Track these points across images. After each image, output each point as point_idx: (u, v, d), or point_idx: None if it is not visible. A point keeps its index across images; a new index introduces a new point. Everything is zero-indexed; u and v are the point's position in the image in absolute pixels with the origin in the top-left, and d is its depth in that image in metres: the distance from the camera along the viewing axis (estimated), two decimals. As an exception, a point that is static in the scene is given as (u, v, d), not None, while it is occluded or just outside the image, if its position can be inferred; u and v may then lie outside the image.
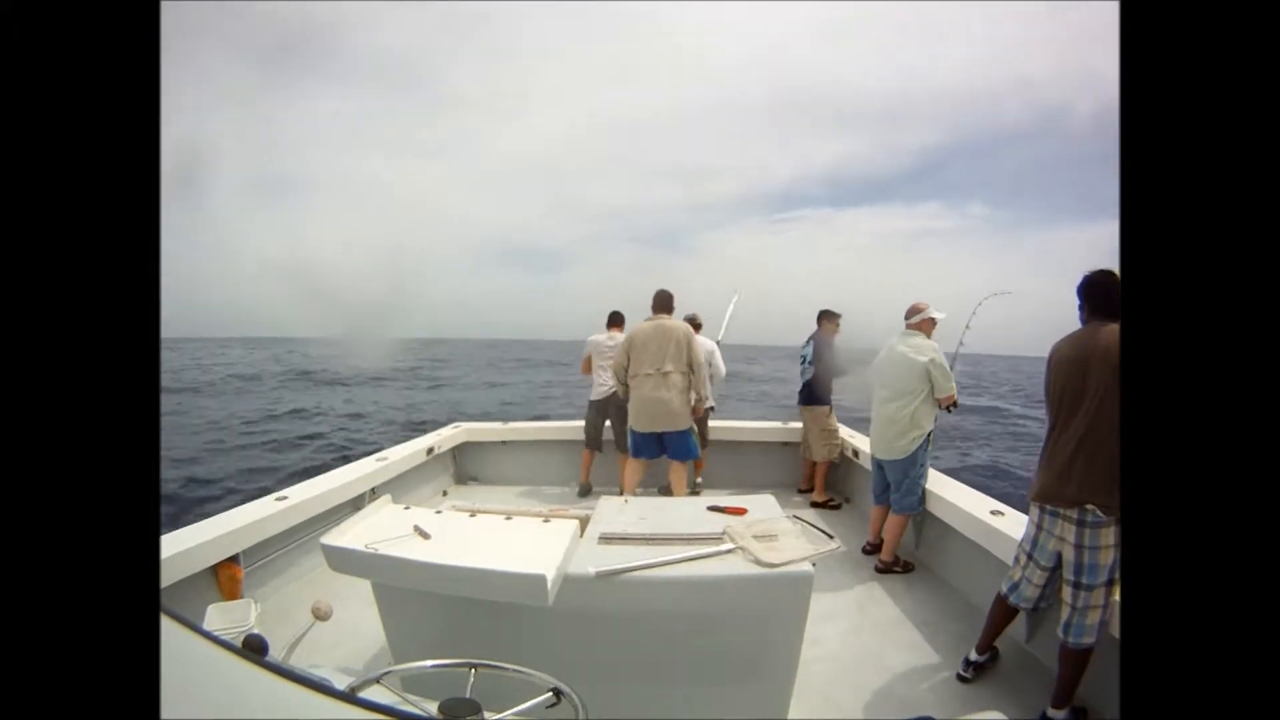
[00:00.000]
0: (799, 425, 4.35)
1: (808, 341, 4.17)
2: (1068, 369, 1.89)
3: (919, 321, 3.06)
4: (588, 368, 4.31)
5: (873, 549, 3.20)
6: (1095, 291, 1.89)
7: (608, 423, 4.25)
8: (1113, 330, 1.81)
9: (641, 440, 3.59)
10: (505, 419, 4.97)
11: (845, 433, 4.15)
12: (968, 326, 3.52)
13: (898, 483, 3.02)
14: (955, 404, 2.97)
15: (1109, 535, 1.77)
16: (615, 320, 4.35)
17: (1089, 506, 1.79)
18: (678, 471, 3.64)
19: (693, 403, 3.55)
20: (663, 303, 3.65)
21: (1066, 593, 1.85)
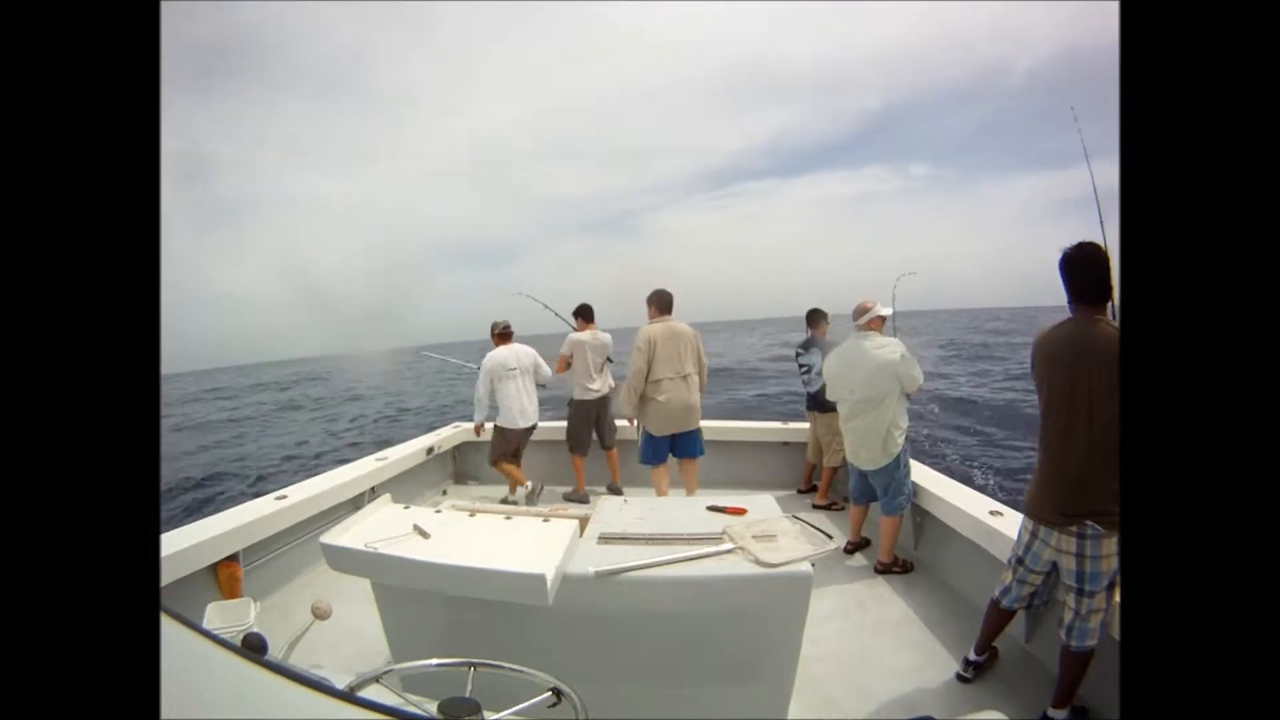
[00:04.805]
0: (800, 426, 4.32)
1: (806, 346, 4.13)
2: (1056, 372, 1.79)
3: (869, 321, 3.01)
4: (564, 367, 4.17)
5: (854, 548, 3.21)
6: (1077, 269, 1.73)
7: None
8: (1108, 333, 1.70)
9: (661, 443, 3.65)
10: None
11: None
12: (894, 311, 3.66)
13: (885, 487, 2.97)
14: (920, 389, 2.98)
15: (1110, 545, 1.73)
16: (587, 315, 4.20)
17: (1088, 522, 1.74)
18: (689, 469, 3.71)
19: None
20: (667, 303, 3.67)
21: (1069, 598, 1.82)
